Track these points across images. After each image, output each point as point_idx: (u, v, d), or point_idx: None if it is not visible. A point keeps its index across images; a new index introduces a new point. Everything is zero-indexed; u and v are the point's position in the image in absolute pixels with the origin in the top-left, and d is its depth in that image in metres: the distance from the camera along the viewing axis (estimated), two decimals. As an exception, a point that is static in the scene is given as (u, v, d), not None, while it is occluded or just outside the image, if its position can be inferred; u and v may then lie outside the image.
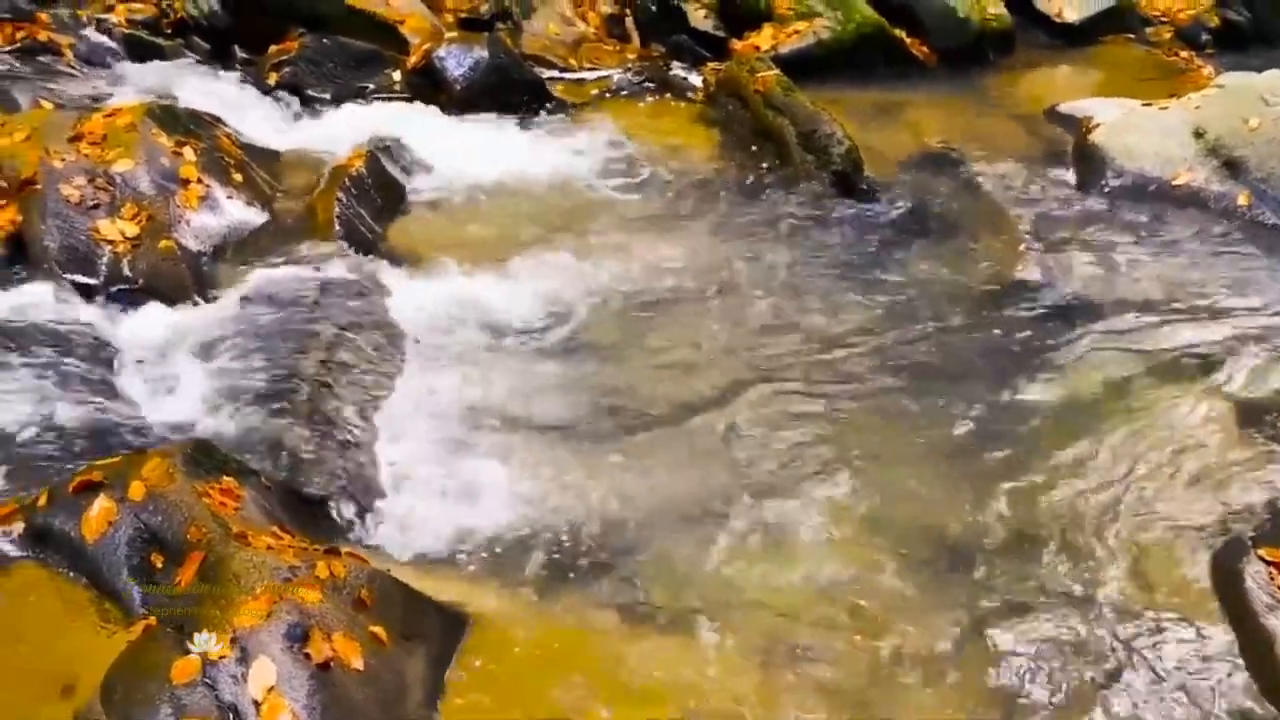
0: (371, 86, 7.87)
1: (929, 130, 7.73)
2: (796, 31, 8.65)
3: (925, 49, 8.90)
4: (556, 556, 4.09)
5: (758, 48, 8.50)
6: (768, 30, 8.74)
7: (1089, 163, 7.05)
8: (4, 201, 5.49)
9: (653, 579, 4.02)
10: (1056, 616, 3.92)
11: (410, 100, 7.72)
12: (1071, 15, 9.50)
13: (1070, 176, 7.08)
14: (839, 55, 8.56)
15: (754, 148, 7.27)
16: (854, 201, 6.72)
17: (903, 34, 8.85)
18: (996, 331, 5.51)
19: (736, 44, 8.73)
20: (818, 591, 4.00)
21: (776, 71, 7.58)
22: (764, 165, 7.11)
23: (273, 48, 8.00)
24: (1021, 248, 6.18)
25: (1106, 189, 6.86)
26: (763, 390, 5.06)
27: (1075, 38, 9.48)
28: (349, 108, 7.59)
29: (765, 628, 3.83)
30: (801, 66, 8.09)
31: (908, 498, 4.46)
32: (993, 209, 6.66)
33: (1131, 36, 9.70)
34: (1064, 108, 7.97)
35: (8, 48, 7.20)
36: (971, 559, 4.17)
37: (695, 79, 8.50)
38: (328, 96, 7.75)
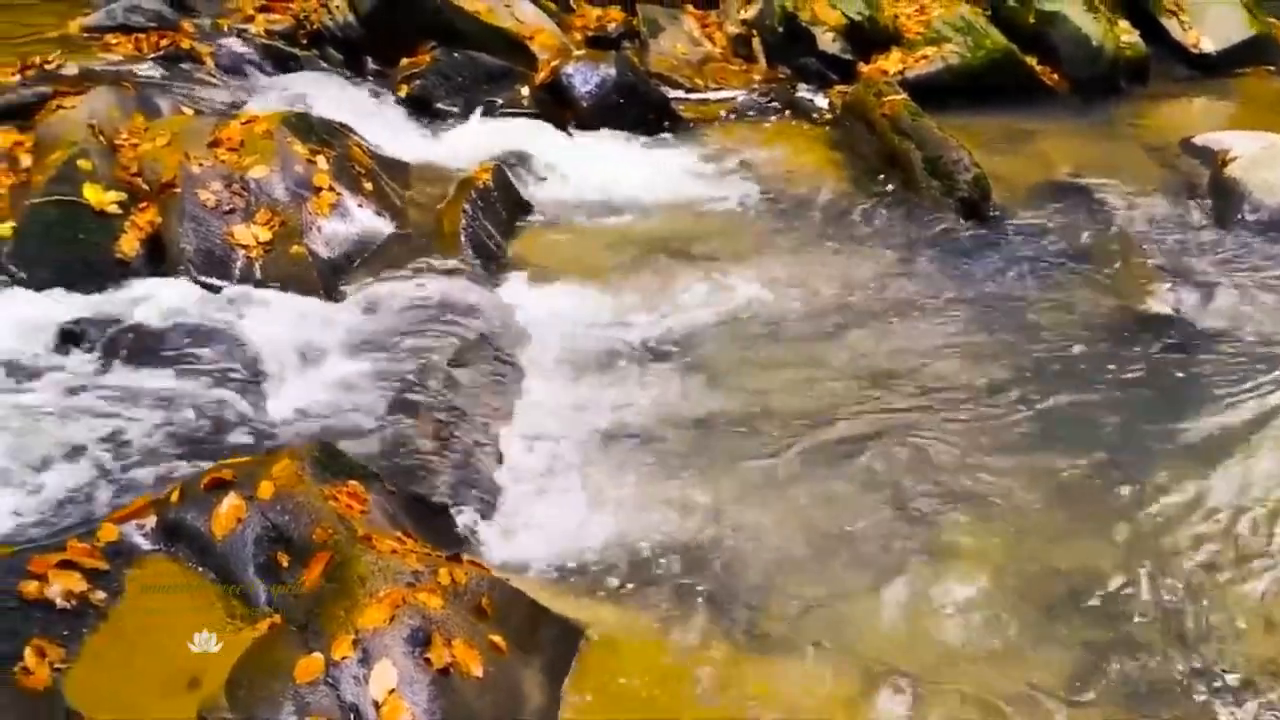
0: (499, 101, 7.97)
1: (1058, 159, 7.62)
2: (925, 56, 8.59)
3: (1056, 76, 8.80)
4: (675, 576, 4.07)
5: (885, 71, 8.46)
6: (896, 54, 8.71)
7: (1225, 196, 6.88)
8: (145, 204, 5.64)
9: (770, 605, 3.97)
10: (1178, 658, 3.80)
11: (537, 116, 7.79)
12: (1209, 45, 9.31)
13: (1205, 210, 6.90)
14: (968, 81, 8.49)
15: (879, 172, 7.23)
16: (980, 229, 6.64)
17: (1033, 61, 8.73)
18: (1126, 365, 5.38)
19: (864, 67, 8.70)
20: (935, 627, 3.93)
21: (904, 96, 7.53)
22: (889, 190, 7.07)
23: (404, 60, 8.16)
24: (1153, 280, 6.04)
25: (1243, 223, 6.69)
26: (884, 420, 4.99)
27: (1212, 68, 9.29)
28: (477, 121, 7.69)
29: (880, 661, 3.76)
30: (929, 91, 8.03)
31: (1029, 533, 4.36)
32: (1124, 240, 6.52)
33: (1271, 68, 9.49)
34: (1199, 140, 7.78)
35: (152, 55, 7.39)
36: (1095, 599, 4.05)
37: (821, 101, 8.50)
38: (456, 110, 7.86)
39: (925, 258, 6.37)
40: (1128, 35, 9.04)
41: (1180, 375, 5.32)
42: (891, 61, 8.64)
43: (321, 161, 6.04)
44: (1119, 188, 7.14)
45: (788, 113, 8.43)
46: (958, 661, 3.79)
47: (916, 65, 8.54)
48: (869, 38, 8.90)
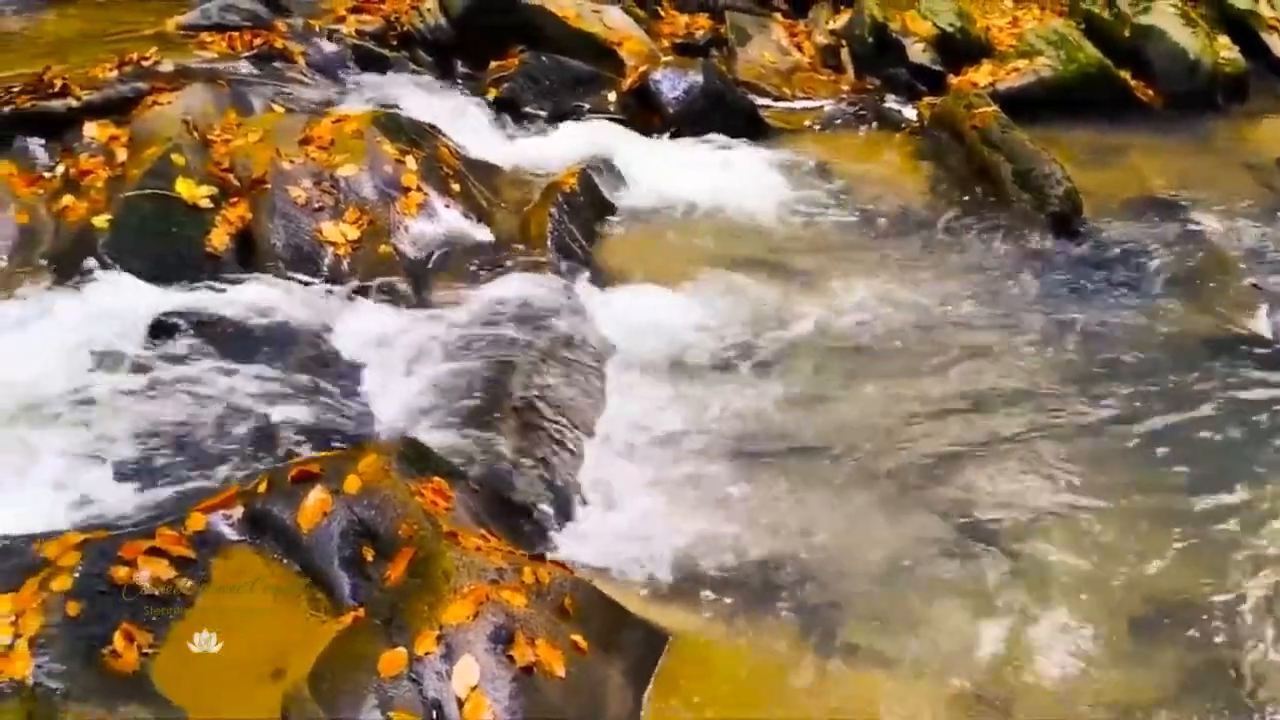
0: (587, 106, 7.97)
1: (1152, 175, 7.47)
2: (1016, 69, 8.48)
3: (1151, 91, 8.62)
4: (756, 586, 4.02)
5: (976, 83, 8.35)
6: (987, 66, 8.60)
7: (1326, 216, 6.71)
8: (236, 199, 5.71)
9: (855, 620, 3.91)
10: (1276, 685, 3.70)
11: (624, 121, 7.80)
12: (1311, 60, 9.09)
13: (1304, 230, 6.74)
14: (1060, 94, 8.34)
15: (968, 184, 7.13)
16: (1071, 244, 6.53)
17: (1127, 75, 8.59)
18: (1222, 386, 5.24)
19: (954, 79, 8.59)
20: (1020, 645, 3.84)
21: (995, 108, 7.42)
22: (977, 202, 6.96)
23: (493, 63, 8.18)
24: (1251, 301, 5.92)
25: (1345, 244, 6.51)
26: (972, 438, 4.90)
27: (1315, 84, 9.06)
28: (564, 125, 7.70)
29: (966, 679, 3.70)
30: (1020, 104, 7.91)
31: (1121, 556, 4.25)
32: (1219, 259, 6.37)
33: (1374, 87, 9.23)
34: (1299, 158, 7.61)
35: (246, 54, 7.48)
36: (1187, 623, 3.95)
37: (909, 112, 8.41)
38: (544, 114, 7.87)
39: (1015, 272, 6.26)
40: (1227, 51, 8.83)
41: (1275, 396, 5.17)
42: (982, 73, 8.52)
43: (410, 162, 6.09)
44: (1214, 205, 6.99)
45: (875, 123, 8.34)
46: (1044, 682, 3.71)
47: (1008, 77, 8.42)
48: (960, 49, 8.81)
